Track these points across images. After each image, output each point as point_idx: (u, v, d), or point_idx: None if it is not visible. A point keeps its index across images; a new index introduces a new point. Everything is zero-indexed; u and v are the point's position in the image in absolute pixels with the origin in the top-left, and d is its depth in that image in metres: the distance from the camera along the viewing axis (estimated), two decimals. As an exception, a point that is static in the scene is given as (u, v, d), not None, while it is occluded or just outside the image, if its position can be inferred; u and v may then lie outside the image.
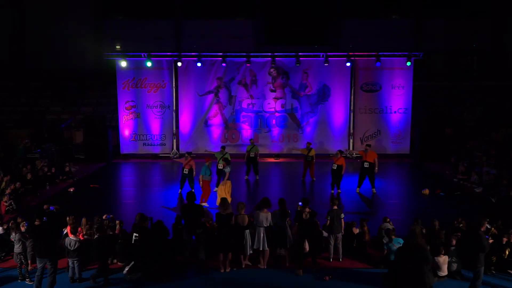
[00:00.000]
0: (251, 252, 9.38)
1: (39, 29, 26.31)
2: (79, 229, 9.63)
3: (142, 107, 20.25)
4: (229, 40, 25.89)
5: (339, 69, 19.94)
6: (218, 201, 12.77)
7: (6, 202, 12.66)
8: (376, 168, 14.52)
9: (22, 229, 9.35)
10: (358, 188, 14.87)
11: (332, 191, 14.58)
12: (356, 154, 19.78)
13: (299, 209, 9.51)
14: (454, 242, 9.19)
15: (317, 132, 20.32)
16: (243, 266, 9.41)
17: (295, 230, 9.62)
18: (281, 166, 19.26)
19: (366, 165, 14.49)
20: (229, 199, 12.23)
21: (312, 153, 15.97)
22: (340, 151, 14.87)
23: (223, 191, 13.11)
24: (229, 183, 13.41)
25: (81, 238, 9.42)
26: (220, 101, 20.33)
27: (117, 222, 10.14)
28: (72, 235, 8.89)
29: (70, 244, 8.79)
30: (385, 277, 8.58)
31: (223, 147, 15.37)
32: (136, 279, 8.71)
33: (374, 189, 14.69)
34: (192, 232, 9.17)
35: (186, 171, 14.25)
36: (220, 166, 14.72)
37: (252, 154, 16.28)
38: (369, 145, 15.28)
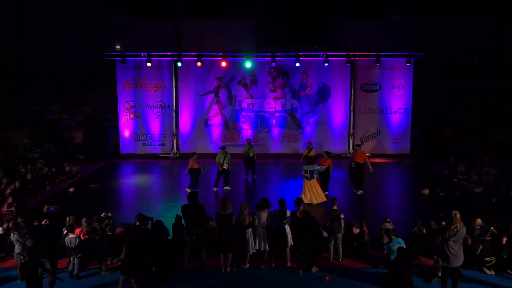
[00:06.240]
0: (252, 252, 9.37)
1: (39, 29, 26.33)
2: (79, 229, 9.65)
3: (142, 107, 20.25)
4: (229, 40, 25.89)
5: (339, 69, 19.95)
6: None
7: (8, 207, 12.63)
8: (370, 168, 14.31)
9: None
10: (356, 189, 14.78)
11: (327, 192, 14.49)
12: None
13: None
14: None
15: (317, 132, 20.32)
16: (243, 266, 9.41)
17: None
18: (281, 166, 19.26)
19: (353, 165, 14.42)
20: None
21: (312, 153, 15.77)
22: (327, 152, 14.71)
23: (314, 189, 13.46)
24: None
25: (82, 238, 9.44)
26: (220, 101, 20.33)
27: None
28: (71, 234, 8.97)
29: (70, 242, 8.87)
30: (385, 277, 8.58)
31: (223, 148, 15.37)
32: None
33: (360, 191, 14.47)
34: (193, 232, 9.16)
35: (202, 170, 14.64)
36: (225, 167, 14.79)
37: (251, 154, 16.28)
38: (358, 146, 15.28)
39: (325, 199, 13.38)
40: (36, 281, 7.67)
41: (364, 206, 13.59)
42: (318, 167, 13.65)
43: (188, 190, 14.55)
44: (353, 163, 14.45)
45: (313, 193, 13.44)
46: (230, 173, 15.20)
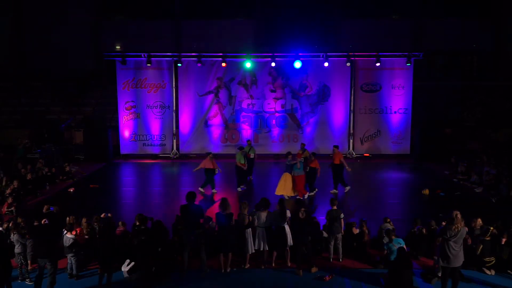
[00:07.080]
0: (251, 252, 9.37)
1: (39, 29, 26.31)
2: (79, 229, 9.65)
3: (142, 107, 20.25)
4: (229, 40, 25.88)
5: (339, 69, 19.93)
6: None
7: (8, 207, 12.61)
8: (348, 168, 14.57)
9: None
10: (334, 189, 14.74)
11: (313, 193, 14.47)
12: (356, 154, 19.87)
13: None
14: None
15: (317, 132, 20.31)
16: (243, 266, 9.41)
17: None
18: (281, 166, 19.20)
19: (331, 166, 14.68)
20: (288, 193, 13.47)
21: (306, 154, 15.31)
22: (313, 154, 14.78)
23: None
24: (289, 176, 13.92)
25: (81, 239, 9.45)
26: (220, 101, 20.32)
27: (120, 223, 10.19)
28: (69, 233, 9.02)
29: (65, 242, 8.98)
30: (385, 277, 8.59)
31: (242, 148, 15.45)
32: (136, 279, 8.70)
33: (335, 190, 14.62)
34: (192, 233, 9.16)
35: (217, 171, 14.65)
36: (245, 167, 15.03)
37: (252, 155, 16.26)
38: (336, 146, 15.25)
39: (291, 194, 13.72)
40: (7, 267, 7.78)
41: (364, 206, 13.58)
42: (290, 160, 13.92)
43: (201, 190, 14.60)
44: (331, 164, 14.66)
45: (281, 184, 13.80)
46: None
